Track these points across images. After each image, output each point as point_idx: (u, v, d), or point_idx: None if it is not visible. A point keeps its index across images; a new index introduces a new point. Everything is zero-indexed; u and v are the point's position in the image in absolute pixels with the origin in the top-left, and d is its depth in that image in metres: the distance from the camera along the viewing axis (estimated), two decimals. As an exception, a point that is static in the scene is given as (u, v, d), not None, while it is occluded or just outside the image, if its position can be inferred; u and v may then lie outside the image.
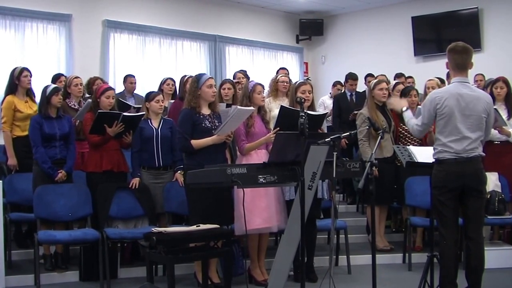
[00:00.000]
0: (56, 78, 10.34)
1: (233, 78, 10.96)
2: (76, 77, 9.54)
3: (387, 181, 8.89)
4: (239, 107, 7.17)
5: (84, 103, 9.11)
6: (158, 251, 6.18)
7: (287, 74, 10.46)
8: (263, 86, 7.81)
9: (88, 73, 11.21)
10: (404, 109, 6.97)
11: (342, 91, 12.63)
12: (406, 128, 7.62)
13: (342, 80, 12.95)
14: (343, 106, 11.77)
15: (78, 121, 8.84)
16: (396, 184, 9.13)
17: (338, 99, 12.06)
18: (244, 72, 11.42)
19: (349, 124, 10.61)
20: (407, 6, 16.40)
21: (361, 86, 12.75)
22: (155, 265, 7.84)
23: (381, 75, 11.91)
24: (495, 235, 9.29)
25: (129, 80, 12.30)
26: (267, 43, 17.51)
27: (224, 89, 8.76)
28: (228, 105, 8.27)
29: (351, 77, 12.52)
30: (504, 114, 8.67)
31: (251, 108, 7.41)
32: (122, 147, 8.38)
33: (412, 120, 6.72)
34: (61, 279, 7.88)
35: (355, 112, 10.24)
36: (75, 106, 9.25)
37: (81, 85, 9.50)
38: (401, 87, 10.15)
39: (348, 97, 12.13)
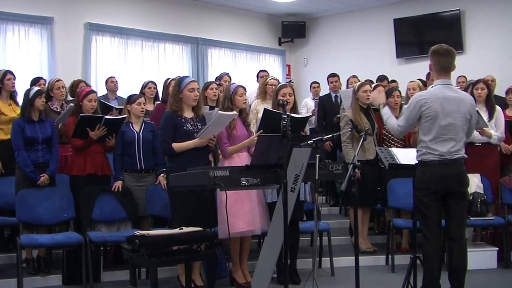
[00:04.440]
0: (35, 81, 10.30)
1: (219, 80, 11.00)
2: (59, 80, 9.49)
3: (370, 183, 8.91)
4: (220, 111, 7.16)
5: (66, 106, 9.07)
6: (141, 254, 6.17)
7: (268, 76, 10.48)
8: (245, 89, 7.81)
9: (70, 76, 11.14)
10: (382, 105, 6.99)
11: (327, 93, 12.64)
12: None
13: (324, 82, 13.01)
14: (328, 108, 11.79)
15: (61, 124, 8.79)
16: (379, 186, 9.16)
17: (323, 101, 12.08)
18: (228, 75, 11.47)
19: (334, 126, 10.62)
20: (389, 9, 16.44)
21: (343, 88, 12.81)
22: (138, 269, 7.81)
23: (353, 76, 12.06)
24: (477, 236, 9.33)
25: (110, 80, 12.35)
26: (249, 46, 17.52)
27: (212, 89, 8.78)
28: (211, 107, 8.28)
29: (330, 75, 12.67)
30: (485, 115, 8.70)
31: (234, 113, 7.40)
32: (106, 150, 8.35)
33: (392, 119, 6.76)
34: (44, 283, 7.84)
35: (339, 115, 10.27)
36: (57, 109, 9.21)
37: (63, 88, 9.45)
38: (381, 88, 10.16)
39: (333, 99, 12.16)
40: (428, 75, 12.03)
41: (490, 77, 11.66)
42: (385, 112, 6.90)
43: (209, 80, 12.60)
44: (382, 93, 7.76)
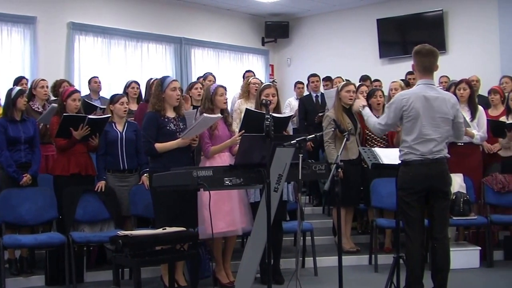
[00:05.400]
0: (17, 81, 10.28)
1: (204, 80, 11.00)
2: (43, 80, 9.48)
3: (353, 183, 8.92)
4: (205, 114, 7.16)
5: (48, 106, 9.05)
6: (124, 254, 6.14)
7: (254, 76, 10.51)
8: (225, 88, 7.80)
9: (53, 76, 11.11)
10: (362, 107, 7.01)
11: (308, 93, 12.70)
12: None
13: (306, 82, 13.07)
14: (309, 108, 11.84)
15: (42, 124, 8.76)
16: (362, 186, 9.18)
17: (304, 101, 12.11)
18: (212, 75, 11.49)
19: (315, 126, 10.64)
20: (372, 9, 16.47)
21: (321, 88, 12.89)
22: (122, 269, 7.81)
23: (338, 77, 12.11)
24: (460, 235, 9.36)
25: (93, 80, 12.32)
26: (232, 46, 17.52)
27: (197, 88, 8.78)
28: (195, 107, 8.29)
29: (311, 75, 12.75)
30: (467, 115, 8.74)
31: (218, 115, 7.40)
32: (89, 150, 8.33)
33: (372, 118, 6.80)
34: (27, 283, 7.82)
35: (321, 114, 10.29)
36: (38, 109, 9.18)
37: (47, 88, 9.44)
38: (364, 88, 10.21)
39: (314, 99, 12.20)
40: (407, 75, 12.09)
41: (475, 77, 11.74)
42: (365, 112, 6.94)
43: (192, 80, 12.61)
44: (360, 97, 7.72)
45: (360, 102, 7.25)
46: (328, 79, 13.26)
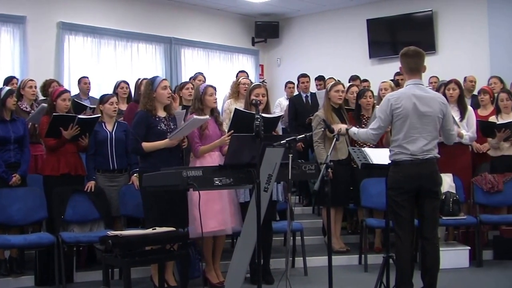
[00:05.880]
0: (8, 80, 10.27)
1: (194, 80, 10.99)
2: (31, 80, 9.47)
3: (342, 183, 8.92)
4: (195, 116, 7.16)
5: (36, 106, 9.03)
6: (114, 254, 6.14)
7: (247, 77, 10.51)
8: (215, 88, 7.78)
9: (43, 76, 11.09)
10: (345, 130, 6.94)
11: (297, 93, 12.70)
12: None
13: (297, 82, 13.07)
14: (299, 109, 11.81)
15: (31, 123, 8.75)
16: (351, 186, 9.18)
17: (294, 102, 12.09)
18: (202, 74, 11.48)
19: (305, 127, 10.64)
20: (362, 9, 16.50)
21: (314, 88, 12.88)
22: (111, 269, 7.77)
23: (330, 78, 12.13)
24: (449, 235, 9.38)
25: (83, 81, 12.23)
26: (222, 46, 17.52)
27: (188, 88, 8.78)
28: (185, 107, 8.28)
29: (301, 76, 12.77)
30: (456, 115, 8.76)
31: (206, 117, 7.39)
32: (79, 150, 8.31)
33: (361, 130, 6.76)
34: (16, 284, 7.79)
35: (312, 116, 10.30)
36: (27, 108, 9.17)
37: (35, 88, 9.43)
38: (355, 89, 10.23)
39: (304, 99, 12.18)
40: (395, 75, 12.13)
41: (473, 78, 11.86)
42: (351, 130, 6.82)
43: (182, 80, 12.59)
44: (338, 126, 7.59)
45: (341, 126, 7.12)
46: (321, 78, 13.27)
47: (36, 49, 13.43)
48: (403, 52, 6.39)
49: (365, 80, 12.83)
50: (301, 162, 7.02)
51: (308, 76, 12.75)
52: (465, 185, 9.08)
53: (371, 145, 8.43)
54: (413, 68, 6.34)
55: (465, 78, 12.09)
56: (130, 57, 15.36)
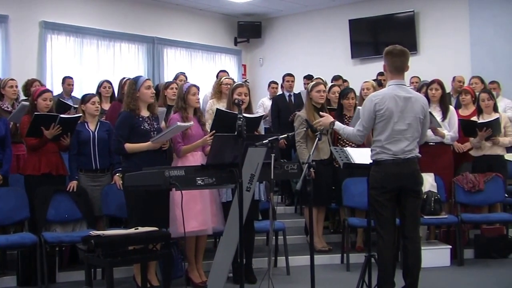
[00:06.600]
0: (-11, 80, 10.22)
1: (175, 79, 10.97)
2: (12, 79, 9.43)
3: (324, 183, 8.95)
4: (178, 123, 7.15)
5: (18, 105, 9.01)
6: (97, 254, 6.12)
7: (229, 76, 10.51)
8: (198, 88, 7.80)
9: (25, 75, 11.06)
10: (332, 124, 6.93)
11: (281, 93, 12.72)
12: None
13: (280, 82, 13.06)
14: (282, 107, 11.83)
15: (12, 123, 8.72)
16: (333, 186, 9.20)
17: (277, 101, 12.11)
18: (184, 74, 11.46)
19: (288, 125, 10.65)
20: (345, 9, 16.56)
21: (298, 87, 12.87)
22: (94, 269, 7.77)
23: (318, 78, 12.11)
24: (431, 234, 9.43)
25: (67, 81, 12.23)
26: (205, 45, 17.54)
27: (172, 88, 8.79)
28: (169, 106, 8.29)
29: (286, 75, 12.77)
30: (438, 115, 8.80)
31: (190, 123, 7.37)
32: (61, 149, 8.29)
33: (347, 128, 6.73)
34: (-2, 284, 7.78)
35: (296, 112, 10.31)
36: (8, 108, 9.13)
37: (16, 87, 9.39)
38: (336, 89, 10.26)
39: (287, 98, 12.19)
40: (378, 76, 12.17)
41: (461, 78, 11.97)
42: (338, 127, 6.81)
43: (165, 80, 12.57)
44: (326, 116, 7.57)
45: (327, 119, 7.12)
46: (309, 77, 13.26)
47: (18, 49, 13.41)
48: (388, 50, 6.38)
49: (345, 81, 12.85)
50: (284, 162, 7.04)
51: (293, 76, 12.73)
52: (446, 184, 9.12)
53: (353, 144, 8.46)
54: (398, 67, 6.33)
55: (454, 77, 12.19)
56: (112, 57, 15.35)
